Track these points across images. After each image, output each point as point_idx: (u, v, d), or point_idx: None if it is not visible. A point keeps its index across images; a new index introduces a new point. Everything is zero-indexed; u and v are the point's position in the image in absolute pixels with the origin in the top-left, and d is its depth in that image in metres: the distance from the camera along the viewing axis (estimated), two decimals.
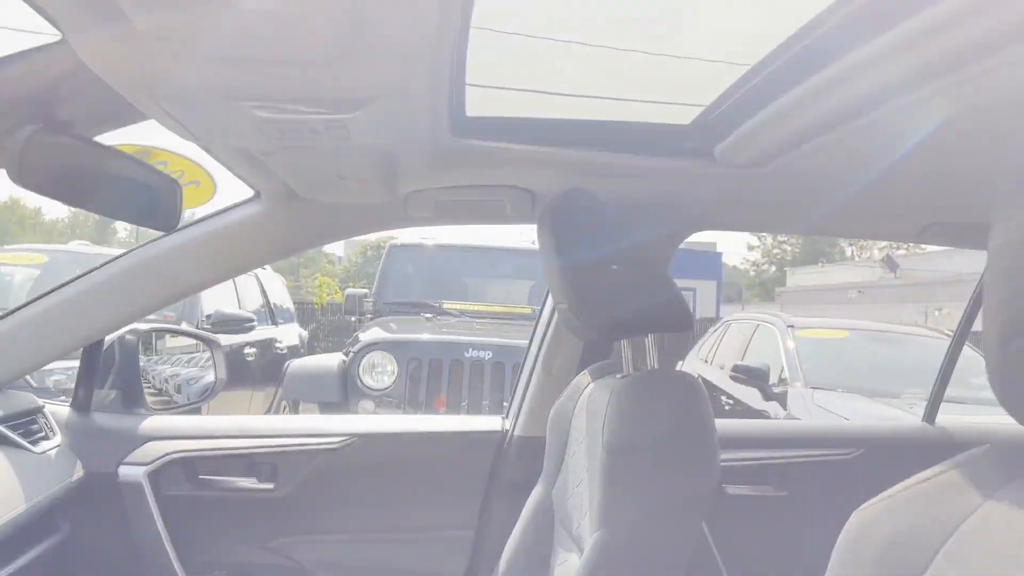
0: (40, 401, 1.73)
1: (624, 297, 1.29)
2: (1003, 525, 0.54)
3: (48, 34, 0.86)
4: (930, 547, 0.58)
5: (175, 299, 1.75)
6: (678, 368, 7.87)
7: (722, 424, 3.08)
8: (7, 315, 1.66)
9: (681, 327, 1.34)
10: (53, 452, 1.64)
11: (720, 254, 18.57)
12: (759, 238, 36.42)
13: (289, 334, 8.04)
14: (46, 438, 1.66)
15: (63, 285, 1.67)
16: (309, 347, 9.23)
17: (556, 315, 1.82)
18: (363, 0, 0.73)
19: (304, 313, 14.00)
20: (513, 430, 1.91)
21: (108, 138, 1.11)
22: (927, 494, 0.62)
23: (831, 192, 1.50)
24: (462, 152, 1.39)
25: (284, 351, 7.20)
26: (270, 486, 1.83)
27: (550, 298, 1.86)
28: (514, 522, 1.59)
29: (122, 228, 44.79)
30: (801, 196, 1.53)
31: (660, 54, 1.41)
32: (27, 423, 1.62)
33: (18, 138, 0.83)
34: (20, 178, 0.83)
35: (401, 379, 4.78)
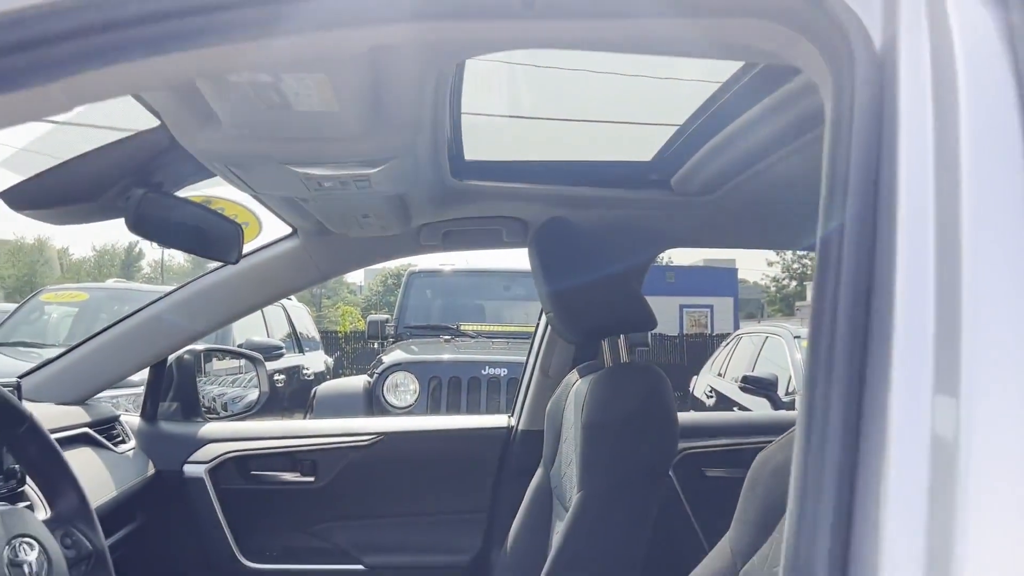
0: (117, 411, 2.03)
1: (595, 305, 1.58)
2: None
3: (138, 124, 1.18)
4: None
5: (228, 321, 2.06)
6: (692, 382, 8.01)
7: (703, 415, 3.31)
8: (87, 340, 1.97)
9: (645, 327, 1.62)
10: (130, 453, 1.94)
11: (735, 271, 18.63)
12: (778, 253, 36.36)
13: (315, 361, 8.30)
14: (123, 441, 1.95)
15: (133, 314, 1.98)
16: (334, 374, 9.46)
17: (549, 325, 2.10)
18: (378, 91, 1.03)
19: (329, 342, 14.25)
20: (517, 426, 2.15)
21: (182, 192, 1.43)
22: None
23: (773, 212, 1.78)
24: (462, 191, 1.69)
25: (311, 377, 7.44)
26: (311, 479, 2.08)
27: None
28: (520, 503, 1.86)
29: (146, 265, 45.57)
30: (748, 217, 1.81)
31: (623, 102, 1.72)
32: (108, 429, 1.92)
33: (133, 198, 1.14)
34: (136, 228, 1.14)
35: (422, 397, 5.01)
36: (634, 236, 1.89)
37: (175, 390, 2.16)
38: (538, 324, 2.26)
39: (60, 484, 1.01)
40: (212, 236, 1.35)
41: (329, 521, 2.10)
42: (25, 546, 0.86)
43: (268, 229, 1.92)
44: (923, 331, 0.48)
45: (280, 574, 2.03)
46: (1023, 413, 0.45)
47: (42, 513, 1.09)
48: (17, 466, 1.26)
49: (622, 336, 1.67)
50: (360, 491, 2.10)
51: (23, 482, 1.29)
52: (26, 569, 0.84)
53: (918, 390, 0.47)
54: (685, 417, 2.18)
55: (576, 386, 1.69)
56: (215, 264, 1.84)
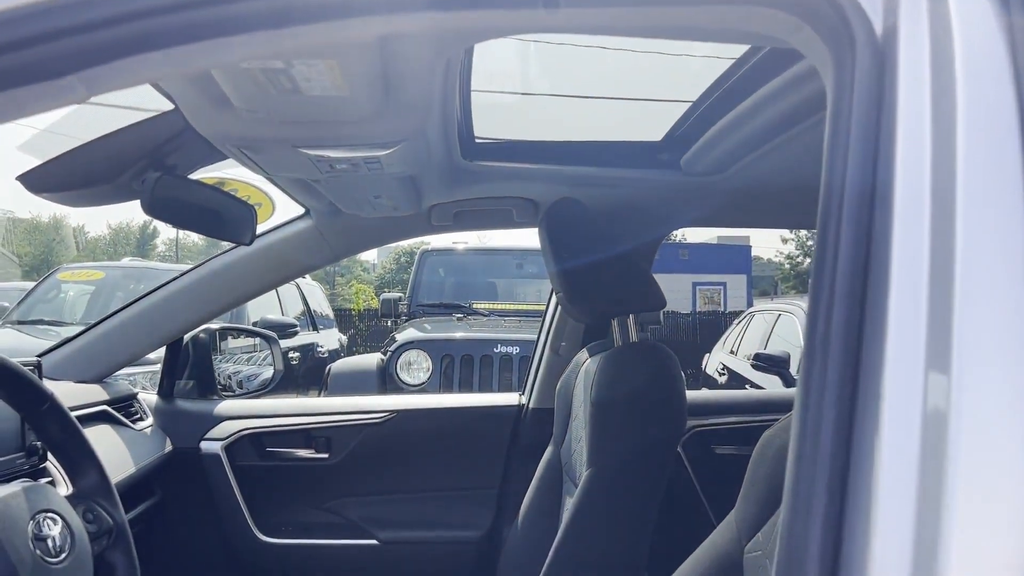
0: (135, 389, 2.07)
1: (604, 285, 1.59)
2: None
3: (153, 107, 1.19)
4: None
5: (242, 301, 2.09)
6: (704, 360, 8.01)
7: (713, 393, 3.33)
8: (105, 319, 2.00)
9: (654, 307, 1.64)
10: (148, 430, 1.98)
11: (749, 248, 18.50)
12: (792, 230, 36.17)
13: (330, 339, 8.36)
14: (141, 419, 1.99)
15: (149, 293, 2.01)
16: (348, 351, 9.54)
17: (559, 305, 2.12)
18: (388, 75, 1.04)
19: (342, 320, 14.32)
20: (528, 403, 2.17)
21: (196, 174, 1.44)
22: None
23: (783, 191, 1.78)
24: (473, 172, 1.70)
25: (325, 355, 7.49)
26: (325, 455, 2.11)
27: None
28: (531, 479, 1.88)
29: (161, 243, 45.90)
30: (758, 197, 1.81)
31: (633, 82, 1.72)
32: (126, 407, 1.96)
33: (148, 181, 1.16)
34: (151, 210, 1.16)
35: (435, 375, 5.05)
36: (643, 216, 1.90)
37: (191, 368, 2.19)
38: (548, 303, 2.27)
39: (81, 461, 1.04)
40: (226, 218, 1.37)
41: (343, 497, 2.14)
42: (49, 521, 0.89)
43: (281, 210, 1.93)
44: (917, 310, 0.50)
45: (295, 548, 2.07)
46: (1012, 391, 0.47)
47: (64, 489, 1.12)
48: (39, 443, 1.30)
49: (631, 315, 1.68)
50: (373, 467, 2.13)
51: (45, 458, 1.32)
52: (50, 544, 0.87)
53: (911, 367, 0.49)
54: (695, 395, 2.20)
55: (586, 365, 1.71)
56: (229, 243, 1.86)
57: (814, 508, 0.49)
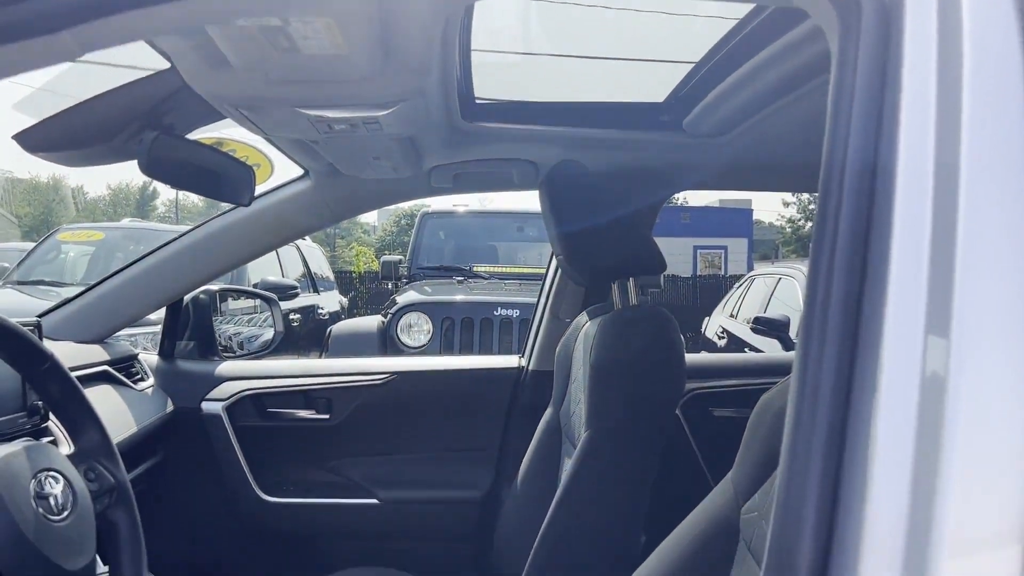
0: (135, 350, 2.08)
1: (605, 248, 1.59)
2: None
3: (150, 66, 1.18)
4: None
5: (242, 262, 2.08)
6: (704, 323, 8.02)
7: (712, 357, 3.34)
8: (105, 280, 2.00)
9: (655, 271, 1.63)
10: (149, 390, 1.99)
11: (751, 212, 18.44)
12: (794, 194, 36.04)
13: (330, 301, 8.37)
14: (142, 379, 2.00)
15: (149, 254, 2.01)
16: (349, 313, 9.54)
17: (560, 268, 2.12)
18: (387, 34, 1.03)
19: (343, 282, 14.32)
20: (528, 366, 2.18)
21: (194, 134, 1.43)
22: None
23: (783, 154, 1.77)
24: (473, 133, 1.68)
25: (326, 317, 7.51)
26: (326, 416, 2.13)
27: None
28: (530, 441, 1.89)
29: (160, 204, 45.79)
30: (761, 159, 1.80)
31: (636, 42, 1.70)
32: (127, 367, 1.97)
33: (145, 140, 1.15)
34: (148, 170, 1.15)
35: (436, 337, 5.06)
36: (645, 178, 1.89)
37: (191, 329, 2.20)
38: (549, 266, 2.27)
39: (82, 421, 1.05)
40: (225, 178, 1.36)
41: (344, 457, 2.16)
42: (51, 479, 0.90)
43: (280, 171, 1.92)
44: (918, 276, 0.50)
45: (297, 507, 2.10)
46: (1010, 358, 0.47)
47: (65, 448, 1.13)
48: (40, 403, 1.30)
49: (632, 279, 1.68)
50: (374, 428, 2.15)
51: (46, 418, 1.33)
52: (52, 502, 0.88)
53: (911, 333, 0.49)
54: (694, 358, 2.21)
55: (586, 328, 1.71)
56: (228, 204, 1.85)
57: (811, 470, 0.50)
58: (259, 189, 1.72)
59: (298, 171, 1.92)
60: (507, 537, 1.85)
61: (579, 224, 1.58)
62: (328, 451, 2.15)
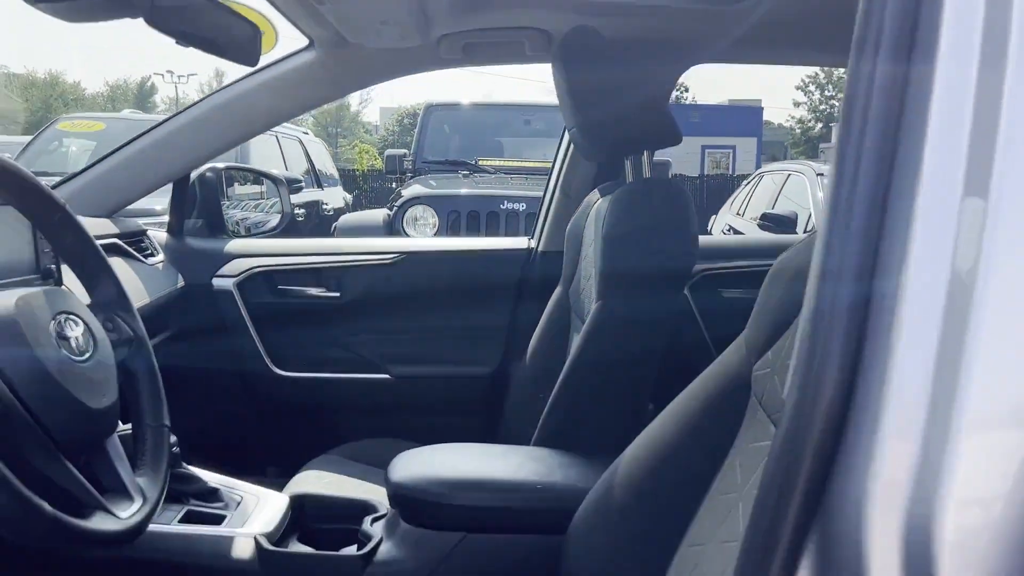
0: (144, 226, 2.07)
1: (620, 119, 1.55)
2: None
3: None
4: None
5: (246, 138, 2.05)
6: (711, 221, 7.97)
7: (723, 238, 3.33)
8: (110, 154, 1.98)
9: (670, 143, 1.60)
10: (160, 265, 1.99)
11: (761, 110, 18.12)
12: (805, 94, 35.32)
13: (334, 197, 8.32)
14: (152, 255, 2.00)
15: (153, 128, 1.98)
16: (353, 210, 9.56)
17: (572, 144, 2.08)
18: None
19: (346, 180, 14.23)
20: (538, 246, 2.18)
21: None
22: None
23: (809, 22, 1.70)
24: None
25: (331, 212, 7.47)
26: (336, 295, 2.14)
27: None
28: (539, 320, 1.91)
29: (160, 100, 45.04)
30: (783, 28, 1.74)
31: None
32: (137, 242, 1.97)
33: None
34: (152, 19, 1.11)
35: (441, 230, 5.06)
36: (663, 48, 1.83)
37: (199, 207, 2.18)
38: (560, 144, 2.23)
39: (97, 272, 1.05)
40: (231, 36, 1.32)
41: (355, 335, 2.18)
42: (71, 322, 0.90)
43: (284, 43, 1.86)
44: (957, 140, 0.47)
45: (310, 382, 2.13)
46: None
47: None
48: (54, 266, 1.30)
49: (646, 152, 1.65)
50: (384, 307, 2.16)
51: (60, 282, 1.33)
52: (73, 343, 0.89)
53: (947, 194, 0.46)
54: (704, 239, 2.20)
55: (597, 204, 1.69)
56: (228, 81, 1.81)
57: (835, 328, 0.48)
58: (263, 60, 1.67)
59: (303, 41, 1.86)
60: (516, 410, 1.89)
61: (594, 94, 1.54)
62: (339, 329, 2.17)
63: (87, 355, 0.90)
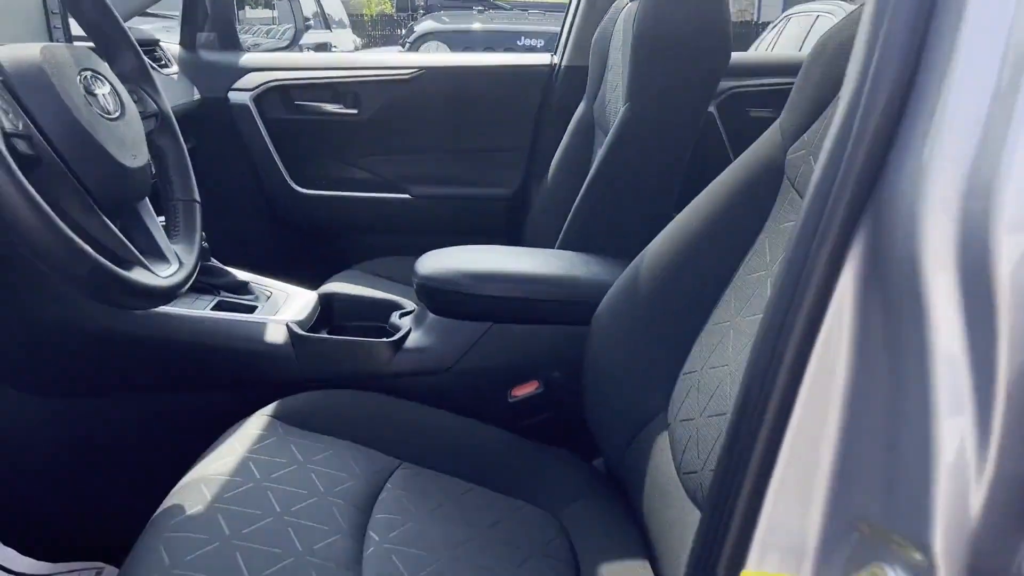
0: (155, 36, 2.01)
1: None
2: None
3: None
4: None
5: None
6: None
7: (750, 55, 3.19)
8: None
9: None
10: (174, 76, 1.95)
11: None
12: None
13: (344, 40, 8.07)
14: (166, 66, 1.95)
15: None
16: None
17: None
18: None
19: (355, 26, 13.73)
20: (561, 62, 2.10)
21: None
22: None
23: None
24: None
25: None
26: (354, 111, 2.10)
27: None
28: (560, 141, 1.87)
29: None
30: None
31: None
32: (150, 51, 1.91)
33: None
34: None
35: None
36: None
37: (212, 19, 2.11)
38: None
39: (118, 42, 1.01)
40: None
41: (373, 155, 2.15)
42: (97, 81, 0.88)
43: None
44: None
45: (331, 200, 2.13)
46: None
47: None
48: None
49: None
50: (403, 125, 2.12)
51: None
52: (100, 100, 0.87)
53: None
54: (735, 55, 2.12)
55: (627, 9, 1.62)
56: None
57: (878, 100, 0.45)
58: None
59: None
60: (536, 231, 1.88)
61: None
62: (357, 147, 2.14)
63: (116, 114, 0.89)
